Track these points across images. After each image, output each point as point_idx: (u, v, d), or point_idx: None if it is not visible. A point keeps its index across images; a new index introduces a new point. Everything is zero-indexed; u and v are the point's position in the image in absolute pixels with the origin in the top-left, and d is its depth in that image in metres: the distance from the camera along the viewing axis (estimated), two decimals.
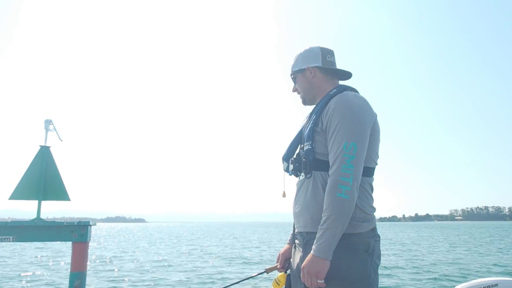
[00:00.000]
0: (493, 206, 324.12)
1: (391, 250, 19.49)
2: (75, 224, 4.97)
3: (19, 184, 5.09)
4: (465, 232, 46.79)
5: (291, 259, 1.90)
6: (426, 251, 18.98)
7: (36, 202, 5.06)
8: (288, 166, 1.93)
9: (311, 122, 1.81)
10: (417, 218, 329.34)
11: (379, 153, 1.81)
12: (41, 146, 5.31)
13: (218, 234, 46.14)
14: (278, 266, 2.01)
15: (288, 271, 1.94)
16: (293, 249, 1.90)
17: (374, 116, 1.75)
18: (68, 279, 5.46)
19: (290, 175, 1.95)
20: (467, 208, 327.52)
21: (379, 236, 1.78)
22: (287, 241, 2.07)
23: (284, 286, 1.91)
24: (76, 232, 5.15)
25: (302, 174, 1.83)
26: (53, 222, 5.03)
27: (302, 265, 1.62)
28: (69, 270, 5.35)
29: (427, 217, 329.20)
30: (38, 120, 5.27)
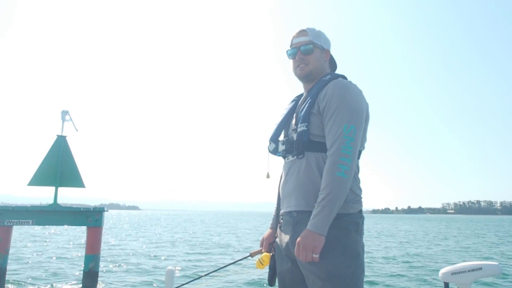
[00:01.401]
0: (485, 201, 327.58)
1: (377, 241, 19.98)
2: (91, 209, 5.30)
3: (37, 171, 5.40)
4: (451, 225, 47.63)
5: (277, 239, 1.93)
6: (409, 240, 19.50)
7: (53, 188, 5.38)
8: (276, 147, 1.96)
9: (306, 104, 1.84)
10: (409, 210, 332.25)
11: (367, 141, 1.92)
12: (58, 136, 5.61)
13: (207, 222, 46.59)
14: (263, 250, 2.03)
15: (272, 252, 1.97)
16: (278, 230, 1.94)
17: (367, 104, 1.85)
18: (83, 261, 5.82)
19: (278, 156, 1.97)
20: (460, 202, 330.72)
21: (364, 218, 1.84)
22: (270, 226, 2.10)
23: (267, 265, 1.95)
24: (91, 218, 5.49)
25: (293, 155, 1.84)
26: (70, 208, 5.35)
27: (298, 240, 1.65)
28: (84, 253, 5.70)
29: (420, 210, 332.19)
30: (55, 111, 5.53)
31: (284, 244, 1.83)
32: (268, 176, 2.05)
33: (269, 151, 2.01)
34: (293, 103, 2.05)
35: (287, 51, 2.01)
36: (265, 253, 1.97)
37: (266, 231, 2.10)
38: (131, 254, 12.68)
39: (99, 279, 5.64)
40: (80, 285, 5.68)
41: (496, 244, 18.88)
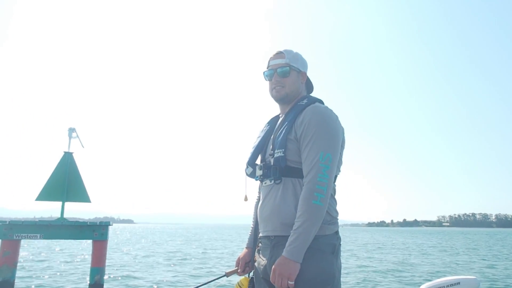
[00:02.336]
0: (480, 213, 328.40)
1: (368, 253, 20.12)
2: (97, 224, 5.48)
3: (45, 186, 5.60)
4: (444, 239, 47.73)
5: (255, 263, 1.93)
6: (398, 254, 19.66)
7: (60, 203, 5.57)
8: (254, 171, 1.97)
9: (283, 130, 1.85)
10: (405, 223, 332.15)
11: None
12: (65, 152, 5.83)
13: (192, 236, 46.40)
14: (238, 270, 2.02)
15: (251, 274, 1.98)
16: (256, 254, 1.95)
17: (343, 129, 1.87)
18: (89, 274, 5.97)
19: (256, 180, 1.99)
20: (455, 214, 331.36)
21: (340, 239, 1.87)
22: (246, 245, 2.11)
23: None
24: (97, 231, 5.68)
25: (271, 180, 1.85)
26: (77, 222, 5.54)
27: (273, 267, 1.66)
28: (89, 265, 5.86)
29: (415, 223, 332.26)
30: (62, 128, 5.76)
31: (262, 268, 1.84)
32: (246, 199, 2.07)
33: (247, 174, 2.02)
34: (269, 126, 2.08)
35: (264, 72, 2.01)
36: (244, 277, 1.97)
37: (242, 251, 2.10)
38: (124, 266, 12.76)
39: None
40: None
41: (482, 259, 19.07)
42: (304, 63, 2.02)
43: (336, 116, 1.84)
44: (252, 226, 2.10)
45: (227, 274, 2.06)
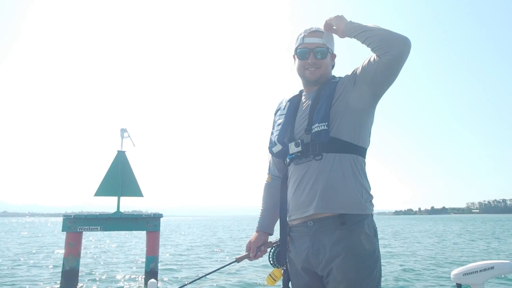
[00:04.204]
0: (511, 199, 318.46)
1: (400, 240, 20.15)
2: (151, 216, 5.96)
3: (101, 183, 6.11)
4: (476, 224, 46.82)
5: (290, 254, 1.79)
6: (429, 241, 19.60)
7: (116, 198, 6.07)
8: (283, 149, 1.81)
9: (323, 104, 1.73)
10: (433, 211, 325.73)
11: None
12: (118, 151, 6.31)
13: (219, 227, 47.15)
14: (250, 255, 1.89)
15: (283, 267, 1.84)
16: (290, 244, 1.80)
17: None
18: (144, 262, 6.49)
19: (289, 158, 1.80)
20: (484, 201, 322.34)
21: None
22: (256, 229, 1.96)
23: (281, 280, 1.83)
24: (151, 223, 6.16)
25: (308, 156, 1.71)
26: (133, 215, 6.05)
27: (330, 18, 1.80)
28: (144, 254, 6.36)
29: (444, 210, 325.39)
30: (115, 129, 6.24)
31: (301, 257, 1.70)
32: (269, 179, 1.96)
33: (273, 153, 1.88)
34: (289, 103, 1.92)
35: (296, 49, 1.88)
36: (277, 269, 1.83)
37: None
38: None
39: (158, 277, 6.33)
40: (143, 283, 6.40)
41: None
42: (334, 44, 1.93)
43: None
44: (262, 208, 1.98)
45: (238, 260, 1.92)
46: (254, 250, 1.88)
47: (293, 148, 1.76)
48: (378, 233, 1.72)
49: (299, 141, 1.74)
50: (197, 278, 2.07)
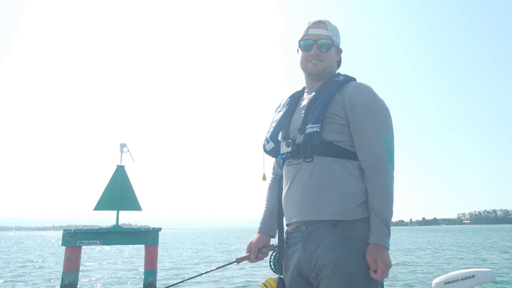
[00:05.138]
0: (501, 209, 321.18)
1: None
2: (150, 230, 6.02)
3: (101, 197, 6.18)
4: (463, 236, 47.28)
5: (287, 261, 1.70)
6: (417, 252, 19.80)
7: (115, 212, 6.13)
8: (276, 147, 1.74)
9: (320, 103, 1.65)
10: (424, 222, 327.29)
11: None
12: (118, 166, 6.39)
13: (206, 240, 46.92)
14: (251, 256, 1.81)
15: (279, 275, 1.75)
16: (286, 250, 1.73)
17: None
18: (142, 276, 6.52)
19: (279, 158, 1.76)
20: (475, 211, 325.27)
21: None
22: (258, 230, 1.89)
23: None
24: (149, 237, 6.23)
25: (299, 158, 1.65)
26: (132, 229, 6.12)
27: (382, 260, 1.48)
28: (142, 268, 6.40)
29: (435, 221, 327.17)
30: (115, 144, 6.33)
31: (295, 264, 1.63)
32: (264, 178, 1.90)
33: (266, 151, 1.80)
34: (290, 100, 1.86)
35: (299, 41, 1.79)
36: (271, 278, 1.73)
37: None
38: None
39: None
40: None
41: (502, 252, 19.09)
42: (340, 38, 1.85)
43: (382, 99, 1.71)
44: (265, 209, 1.91)
45: (238, 261, 1.84)
46: (255, 252, 1.81)
47: (284, 148, 1.71)
48: None
49: (290, 141, 1.68)
50: (197, 275, 2.08)
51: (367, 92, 1.65)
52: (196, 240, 48.03)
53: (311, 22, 1.78)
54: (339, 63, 1.90)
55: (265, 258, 1.86)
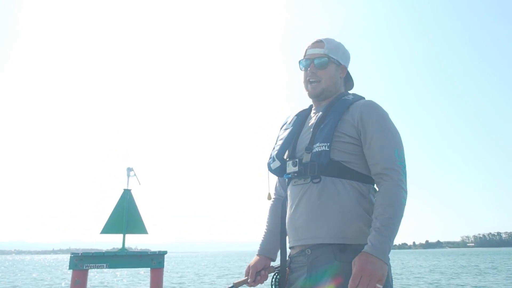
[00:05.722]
0: (506, 232, 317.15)
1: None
2: (156, 253, 6.07)
3: (108, 220, 6.25)
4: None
5: (287, 287, 1.63)
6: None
7: (121, 235, 6.20)
8: (282, 166, 1.70)
9: (329, 123, 1.61)
10: (428, 245, 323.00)
11: None
12: (124, 189, 6.49)
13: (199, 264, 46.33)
14: (249, 280, 1.72)
15: None
16: (289, 275, 1.64)
17: None
18: None
19: (285, 177, 1.71)
20: (479, 234, 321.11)
21: None
22: (257, 252, 1.81)
23: None
24: (155, 260, 6.26)
25: (306, 178, 1.59)
26: (138, 252, 6.16)
27: (359, 266, 1.36)
28: None
29: (438, 244, 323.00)
30: (121, 168, 6.47)
31: None
32: (269, 198, 1.85)
33: (271, 170, 1.76)
34: (297, 118, 1.82)
35: (299, 61, 1.80)
36: None
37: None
38: None
39: None
40: None
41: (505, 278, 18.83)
42: (345, 55, 1.82)
43: None
44: (265, 231, 1.84)
45: (235, 285, 1.74)
46: (253, 275, 1.71)
47: (290, 167, 1.64)
48: None
49: (297, 160, 1.62)
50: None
51: (377, 109, 1.64)
52: (199, 264, 47.45)
53: (310, 43, 1.81)
54: (349, 83, 1.89)
55: (265, 282, 1.76)
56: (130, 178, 6.33)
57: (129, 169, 6.32)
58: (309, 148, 1.61)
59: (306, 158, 1.61)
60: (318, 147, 1.56)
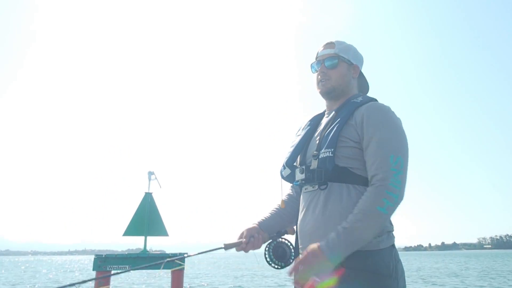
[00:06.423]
0: None
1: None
2: (177, 255, 6.20)
3: (130, 223, 6.41)
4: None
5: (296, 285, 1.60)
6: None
7: (143, 237, 6.35)
8: (292, 174, 1.72)
9: (334, 127, 1.59)
10: (443, 247, 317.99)
11: None
12: (146, 193, 6.65)
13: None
14: (243, 241, 1.69)
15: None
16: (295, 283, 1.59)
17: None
18: None
19: (295, 184, 1.73)
20: (496, 236, 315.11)
21: (398, 257, 1.55)
22: (257, 222, 1.78)
23: None
24: (176, 262, 6.38)
25: (314, 185, 1.60)
26: (159, 254, 6.30)
27: (305, 255, 1.41)
28: None
29: (455, 246, 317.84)
30: (143, 172, 6.62)
31: None
32: (283, 205, 1.81)
33: (283, 177, 1.78)
34: (311, 123, 1.82)
35: (311, 65, 1.81)
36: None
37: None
38: None
39: None
40: None
41: None
42: (357, 55, 1.80)
43: (400, 119, 1.62)
44: (274, 210, 1.83)
45: (226, 246, 1.70)
46: (248, 237, 1.68)
47: (298, 175, 1.67)
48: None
49: (303, 167, 1.64)
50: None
51: (380, 111, 1.58)
52: (214, 265, 47.70)
53: (321, 45, 1.81)
54: (364, 85, 1.87)
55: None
56: (151, 181, 6.50)
57: (150, 173, 6.48)
58: (316, 155, 1.61)
59: (314, 164, 1.60)
60: (323, 153, 1.56)
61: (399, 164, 1.46)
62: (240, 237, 1.72)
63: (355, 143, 1.56)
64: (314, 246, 1.41)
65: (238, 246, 1.68)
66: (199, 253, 1.83)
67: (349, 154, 1.55)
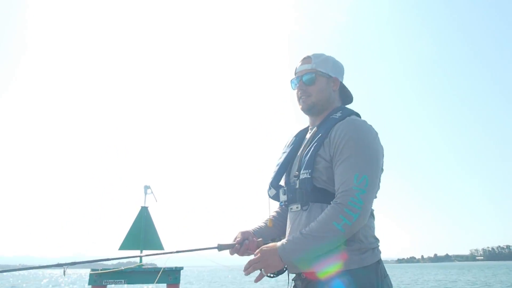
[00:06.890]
0: None
1: None
2: (173, 269, 6.22)
3: (126, 237, 6.43)
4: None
5: None
6: None
7: (138, 251, 6.36)
8: (277, 194, 1.73)
9: (312, 147, 1.59)
10: (436, 258, 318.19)
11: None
12: (142, 207, 6.69)
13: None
14: (237, 244, 1.68)
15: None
16: None
17: (383, 148, 1.59)
18: None
19: (280, 205, 1.77)
20: (488, 247, 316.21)
21: (386, 273, 1.55)
22: (252, 229, 1.79)
23: None
24: (172, 276, 6.41)
25: (297, 206, 1.61)
26: (155, 268, 6.31)
27: (262, 251, 1.50)
28: None
29: (447, 258, 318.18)
30: (139, 186, 6.68)
31: None
32: (270, 224, 1.80)
33: (269, 197, 1.79)
34: (295, 139, 1.82)
35: (291, 81, 1.79)
36: None
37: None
38: None
39: None
40: None
41: None
42: (336, 67, 1.76)
43: (376, 132, 1.60)
44: (271, 217, 1.85)
45: (220, 247, 1.68)
46: (241, 240, 1.68)
47: (281, 196, 1.70)
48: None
49: (285, 189, 1.68)
50: (174, 251, 1.77)
51: (352, 127, 1.55)
52: (206, 279, 47.25)
53: (299, 60, 1.78)
54: (347, 96, 1.83)
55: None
56: (147, 195, 6.55)
57: (146, 187, 6.53)
58: (297, 175, 1.63)
59: (297, 184, 1.63)
60: (303, 174, 1.58)
61: (363, 183, 1.44)
62: (234, 240, 1.71)
63: (329, 163, 1.56)
64: (269, 246, 1.52)
65: (232, 248, 1.67)
66: (189, 250, 1.77)
67: (325, 175, 1.56)
